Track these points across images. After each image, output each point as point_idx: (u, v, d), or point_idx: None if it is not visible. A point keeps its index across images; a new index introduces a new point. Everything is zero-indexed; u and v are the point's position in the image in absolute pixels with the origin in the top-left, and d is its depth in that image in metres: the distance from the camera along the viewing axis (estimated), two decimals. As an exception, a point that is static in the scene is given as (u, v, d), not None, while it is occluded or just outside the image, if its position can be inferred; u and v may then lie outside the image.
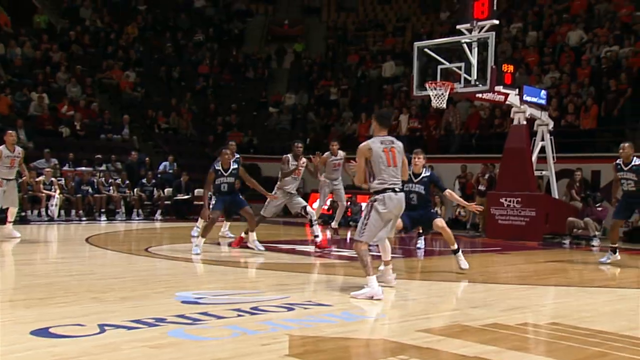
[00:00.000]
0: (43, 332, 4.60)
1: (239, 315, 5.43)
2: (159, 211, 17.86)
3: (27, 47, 22.58)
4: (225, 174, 10.08)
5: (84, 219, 16.56)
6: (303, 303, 6.02)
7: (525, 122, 14.36)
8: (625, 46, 17.93)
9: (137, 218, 17.26)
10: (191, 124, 23.41)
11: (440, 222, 8.65)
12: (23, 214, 15.21)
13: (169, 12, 28.78)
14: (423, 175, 8.83)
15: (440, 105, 12.95)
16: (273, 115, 25.10)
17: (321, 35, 29.88)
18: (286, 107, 25.27)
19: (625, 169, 9.93)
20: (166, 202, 18.25)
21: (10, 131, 11.33)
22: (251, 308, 5.72)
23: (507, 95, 13.57)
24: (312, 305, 5.94)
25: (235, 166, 10.18)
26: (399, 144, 6.68)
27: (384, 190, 6.49)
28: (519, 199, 13.35)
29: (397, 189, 6.56)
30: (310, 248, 11.07)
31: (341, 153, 12.90)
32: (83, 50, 24.31)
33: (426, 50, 13.38)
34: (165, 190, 18.50)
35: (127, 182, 17.84)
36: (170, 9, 29.05)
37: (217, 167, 10.09)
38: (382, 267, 7.14)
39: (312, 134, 22.80)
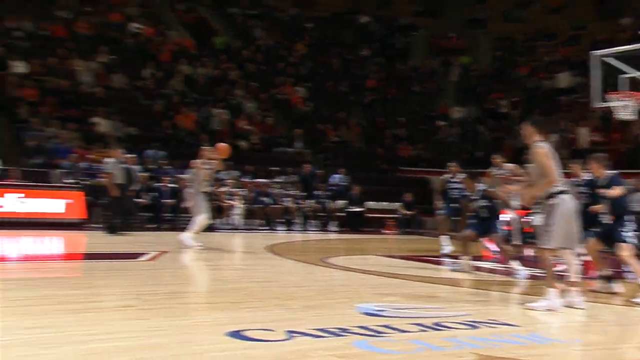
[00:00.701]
0: (237, 334, 4.79)
1: (422, 331, 5.35)
2: (333, 222, 18.27)
3: (209, 67, 24.17)
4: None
5: (263, 228, 17.32)
6: (487, 321, 5.81)
7: None
8: None
9: (312, 228, 17.77)
10: (360, 137, 23.74)
11: None
12: (211, 222, 16.22)
13: (335, 29, 29.48)
14: None
15: (628, 117, 12.06)
16: (441, 129, 24.78)
17: (488, 47, 29.11)
18: (455, 120, 24.84)
19: None
20: (339, 214, 18.63)
21: (206, 147, 12.02)
22: (434, 323, 5.61)
23: None
24: (497, 324, 5.72)
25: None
26: None
27: (561, 192, 6.41)
28: None
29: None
30: (491, 265, 10.73)
31: (509, 165, 12.29)
32: (257, 67, 25.58)
33: (605, 59, 12.61)
34: (338, 202, 18.87)
35: (302, 193, 18.46)
36: (336, 26, 29.75)
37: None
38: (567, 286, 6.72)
39: (483, 147, 22.22)
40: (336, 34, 29.43)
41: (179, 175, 17.48)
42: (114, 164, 14.04)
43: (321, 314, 5.97)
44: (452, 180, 11.47)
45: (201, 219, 11.31)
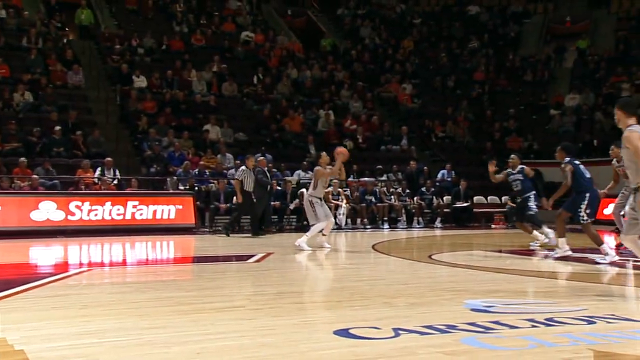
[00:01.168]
0: (344, 333, 4.80)
1: (533, 326, 5.14)
2: (438, 219, 18.02)
3: (316, 69, 24.51)
4: None
5: (368, 226, 17.35)
6: (605, 316, 5.50)
7: None
8: None
9: (417, 226, 17.62)
10: (468, 132, 23.27)
11: None
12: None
13: (444, 22, 29.01)
14: None
15: None
16: (555, 118, 23.80)
17: (610, 29, 27.56)
18: (569, 109, 23.78)
19: None
20: (445, 210, 18.35)
21: (323, 153, 12.03)
22: (546, 319, 5.38)
23: None
24: (616, 320, 5.40)
25: None
26: None
27: None
28: None
29: None
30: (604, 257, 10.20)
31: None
32: (363, 67, 25.65)
33: None
34: (445, 198, 18.61)
35: (408, 191, 18.31)
36: (445, 19, 29.29)
37: None
38: None
39: (600, 135, 21.13)
40: (445, 27, 28.95)
41: (286, 178, 17.87)
42: (244, 172, 14.55)
43: (428, 311, 5.88)
44: (513, 173, 11.20)
45: (318, 226, 11.35)
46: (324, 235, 11.54)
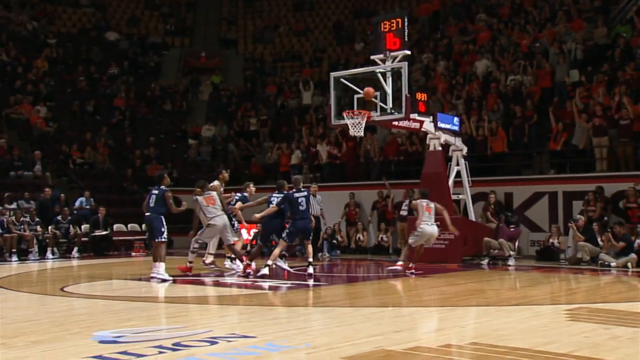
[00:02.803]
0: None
1: (160, 352, 5.28)
2: (75, 248, 17.18)
3: None
4: None
5: (-6, 260, 15.80)
6: (226, 336, 5.91)
7: (440, 148, 14.76)
8: (528, 74, 18.80)
9: (52, 257, 16.53)
10: (108, 158, 22.81)
11: None
12: None
13: (82, 46, 28.12)
14: None
15: (358, 133, 13.13)
16: (192, 147, 24.81)
17: (239, 67, 29.96)
18: (205, 139, 25.05)
19: None
20: (83, 239, 17.62)
21: None
22: (173, 344, 5.57)
23: (422, 122, 13.91)
24: (235, 338, 5.84)
25: None
26: None
27: None
28: (438, 223, 13.68)
29: None
30: (230, 279, 10.97)
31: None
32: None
33: (342, 80, 13.56)
34: (82, 226, 17.87)
35: (38, 219, 17.08)
36: (83, 42, 28.41)
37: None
38: None
39: (233, 164, 22.66)
40: (83, 50, 27.95)
41: None
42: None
43: (51, 348, 5.59)
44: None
45: None
46: None
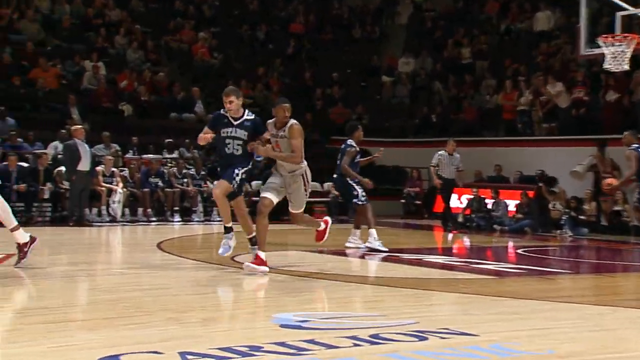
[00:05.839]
0: (113, 361, 4.77)
1: (356, 345, 5.44)
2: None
3: (77, 3, 23.58)
4: None
5: (153, 219, 17.16)
6: (438, 331, 5.96)
7: None
8: None
9: (219, 218, 17.58)
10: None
11: None
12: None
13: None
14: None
15: (620, 68, 12.54)
16: (386, 86, 25.07)
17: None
18: (403, 75, 25.17)
19: None
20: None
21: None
22: (370, 336, 5.71)
23: None
24: (450, 334, 5.88)
25: None
26: None
27: None
28: None
29: None
30: (441, 259, 11.05)
31: None
32: (145, 6, 25.16)
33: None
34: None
35: (204, 172, 18.16)
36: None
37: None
38: None
39: (439, 108, 22.62)
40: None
41: (37, 151, 17.15)
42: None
43: (227, 328, 6.00)
44: None
45: None
46: None
